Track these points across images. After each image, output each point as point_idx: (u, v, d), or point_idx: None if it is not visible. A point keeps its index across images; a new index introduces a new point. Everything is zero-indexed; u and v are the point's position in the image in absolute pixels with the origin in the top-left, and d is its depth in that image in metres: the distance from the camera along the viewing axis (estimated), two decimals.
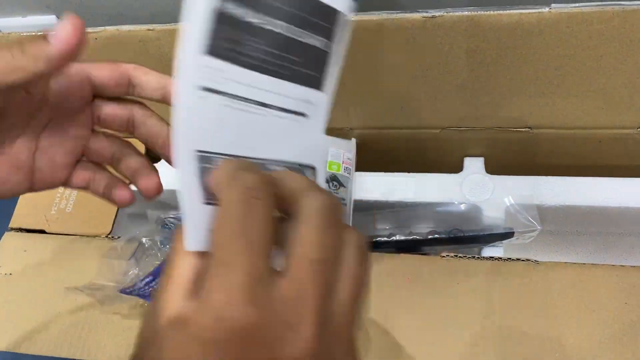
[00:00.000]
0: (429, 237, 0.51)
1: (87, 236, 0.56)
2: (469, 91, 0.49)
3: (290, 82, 0.28)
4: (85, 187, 0.33)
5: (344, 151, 0.53)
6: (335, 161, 0.52)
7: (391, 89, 0.51)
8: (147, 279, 0.48)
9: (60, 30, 0.28)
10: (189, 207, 0.24)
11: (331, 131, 0.56)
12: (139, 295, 0.46)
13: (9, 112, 0.29)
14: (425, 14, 0.44)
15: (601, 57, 0.44)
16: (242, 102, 0.27)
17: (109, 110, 0.32)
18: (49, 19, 0.58)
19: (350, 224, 0.50)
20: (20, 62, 0.27)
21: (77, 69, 0.30)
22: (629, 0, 0.41)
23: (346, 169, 0.52)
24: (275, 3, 0.26)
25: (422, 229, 0.53)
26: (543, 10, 0.42)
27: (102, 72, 0.31)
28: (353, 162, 0.54)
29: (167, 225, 0.52)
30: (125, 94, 0.32)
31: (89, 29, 0.52)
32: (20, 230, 0.58)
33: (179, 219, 0.54)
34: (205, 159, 0.25)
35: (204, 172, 0.25)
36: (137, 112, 0.32)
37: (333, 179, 0.51)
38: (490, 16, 0.43)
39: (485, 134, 0.53)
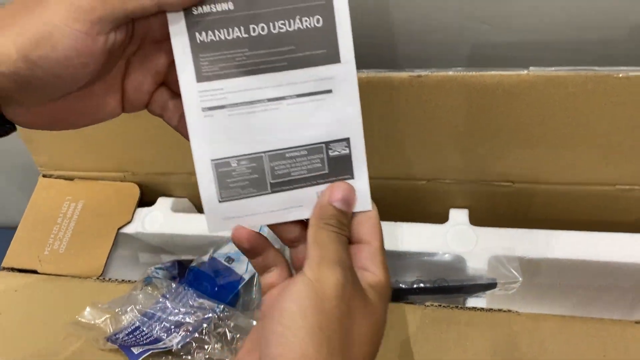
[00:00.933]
0: (415, 286, 0.52)
1: (79, 277, 0.57)
2: (454, 145, 0.51)
3: (299, 68, 0.29)
4: (160, 115, 0.34)
5: None
6: None
7: (381, 141, 0.53)
8: (130, 329, 0.48)
9: None
10: (208, 206, 0.31)
11: None
12: (121, 346, 0.46)
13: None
14: (411, 73, 0.47)
15: (577, 118, 0.46)
16: (248, 106, 0.30)
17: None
18: None
19: None
20: None
21: None
22: (601, 66, 0.43)
23: None
24: (246, 12, 0.29)
25: (409, 278, 0.54)
26: (522, 72, 0.45)
27: None
28: None
29: (150, 278, 0.52)
30: None
31: None
32: (13, 270, 0.59)
33: (166, 269, 0.55)
34: (221, 164, 0.31)
35: (220, 176, 0.31)
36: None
37: None
38: (473, 77, 0.46)
39: (469, 186, 0.55)
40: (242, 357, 0.32)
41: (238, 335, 0.47)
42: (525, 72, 0.45)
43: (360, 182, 0.33)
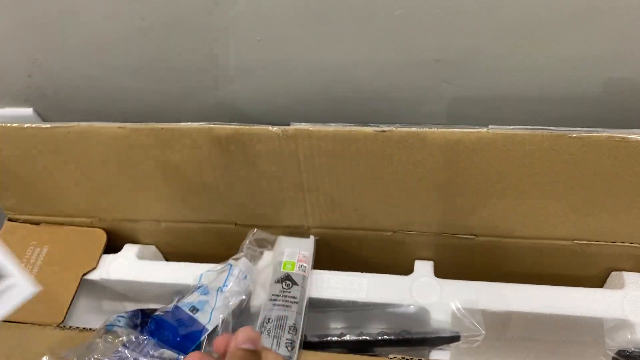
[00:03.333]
0: (379, 337, 0.52)
1: (39, 325, 0.56)
2: (418, 198, 0.52)
3: None
4: None
5: (300, 250, 0.55)
6: (290, 260, 0.54)
7: (345, 192, 0.54)
8: None
9: None
10: None
11: (290, 228, 0.59)
12: None
13: None
14: (376, 128, 0.48)
15: (535, 174, 0.48)
16: None
17: None
18: (26, 111, 0.61)
19: (304, 322, 0.51)
20: None
21: None
22: (556, 127, 0.45)
23: (301, 267, 0.54)
24: None
25: (373, 329, 0.54)
26: (482, 130, 0.47)
27: None
28: (310, 259, 0.56)
29: (111, 325, 0.52)
30: None
31: (62, 124, 0.54)
32: None
33: (129, 317, 0.54)
34: None
35: None
36: None
37: (286, 278, 0.53)
38: (434, 133, 0.47)
39: (433, 238, 0.56)
40: None
41: None
42: (485, 129, 0.47)
43: None
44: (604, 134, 0.45)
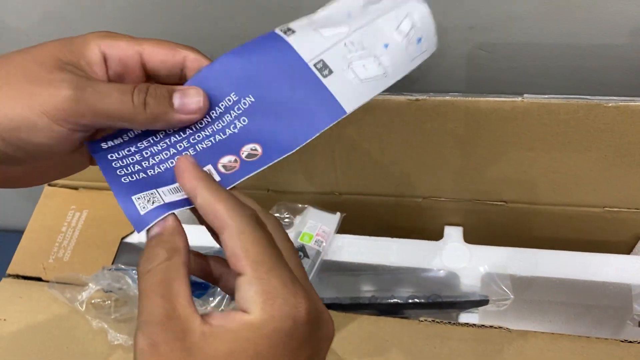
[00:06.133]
0: (409, 301, 0.54)
1: (83, 285, 0.59)
2: (449, 165, 0.53)
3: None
4: None
5: (321, 224, 0.56)
6: (309, 233, 0.55)
7: (378, 160, 0.55)
8: None
9: (190, 100, 0.29)
10: None
11: (320, 195, 0.60)
12: None
13: None
14: (410, 97, 0.48)
15: (568, 143, 0.48)
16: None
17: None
18: None
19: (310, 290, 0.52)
20: (134, 113, 0.27)
21: (132, 54, 0.29)
22: (592, 96, 0.45)
23: (317, 241, 0.55)
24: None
25: (403, 293, 0.56)
26: (516, 99, 0.47)
27: (155, 59, 0.29)
28: (329, 235, 0.56)
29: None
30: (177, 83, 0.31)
31: None
32: (18, 277, 0.60)
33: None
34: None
35: None
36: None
37: (300, 249, 0.54)
38: (469, 102, 0.47)
39: (463, 205, 0.56)
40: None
41: None
42: (520, 99, 0.47)
43: None
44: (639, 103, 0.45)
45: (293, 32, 0.31)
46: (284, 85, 0.30)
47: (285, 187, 0.60)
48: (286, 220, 0.58)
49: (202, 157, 0.30)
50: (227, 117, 0.31)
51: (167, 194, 0.28)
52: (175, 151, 0.30)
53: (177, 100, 0.29)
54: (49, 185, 0.67)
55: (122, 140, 0.30)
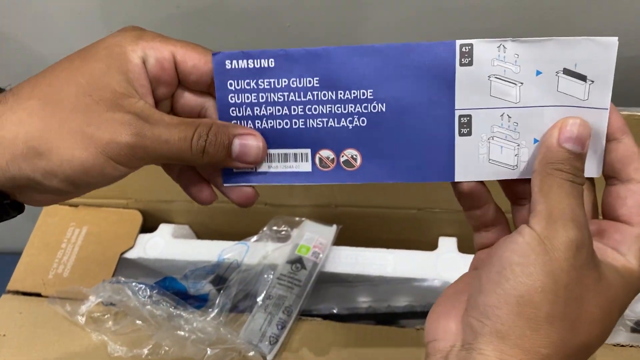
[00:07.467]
0: (405, 310, 0.55)
1: (83, 298, 0.59)
2: None
3: None
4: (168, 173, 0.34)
5: (318, 237, 0.57)
6: (306, 245, 0.56)
7: None
8: None
9: (249, 151, 0.29)
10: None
11: (317, 208, 0.61)
12: None
13: None
14: None
15: None
16: None
17: (185, 100, 0.31)
18: None
19: (301, 306, 0.52)
20: (192, 160, 0.28)
21: (167, 55, 0.29)
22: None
23: (314, 253, 0.56)
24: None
25: (399, 303, 0.57)
26: None
27: (188, 63, 0.29)
28: (326, 247, 0.56)
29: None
30: (204, 90, 0.31)
31: None
32: (17, 293, 0.61)
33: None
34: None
35: None
36: (209, 104, 0.32)
37: (297, 260, 0.55)
38: None
39: (457, 215, 0.58)
40: (449, 295, 0.31)
41: None
42: None
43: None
44: None
45: (469, 62, 0.28)
46: (419, 116, 0.29)
47: (282, 200, 0.61)
48: (283, 233, 0.59)
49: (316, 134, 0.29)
50: (350, 107, 0.29)
51: None
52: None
53: (236, 149, 0.29)
54: None
55: None
